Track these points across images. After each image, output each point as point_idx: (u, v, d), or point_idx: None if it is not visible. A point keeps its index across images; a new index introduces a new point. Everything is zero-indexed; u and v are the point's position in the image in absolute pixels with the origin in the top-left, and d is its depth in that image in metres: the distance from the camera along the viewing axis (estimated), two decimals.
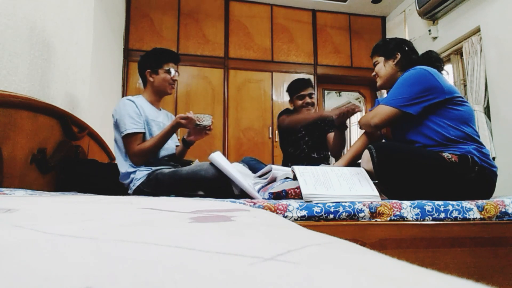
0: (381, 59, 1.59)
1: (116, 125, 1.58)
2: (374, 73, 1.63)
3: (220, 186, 1.41)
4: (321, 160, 2.31)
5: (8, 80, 1.41)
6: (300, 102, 2.25)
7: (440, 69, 1.48)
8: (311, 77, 4.05)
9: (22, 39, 1.51)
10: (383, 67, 1.58)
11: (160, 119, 1.71)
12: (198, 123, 1.58)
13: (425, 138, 1.36)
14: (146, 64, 1.70)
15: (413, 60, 1.53)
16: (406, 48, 1.55)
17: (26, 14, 1.54)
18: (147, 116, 1.62)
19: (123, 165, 1.58)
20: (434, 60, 1.51)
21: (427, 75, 1.35)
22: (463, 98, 1.39)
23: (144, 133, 1.58)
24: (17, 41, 1.47)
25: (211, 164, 1.43)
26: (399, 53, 1.54)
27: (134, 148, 1.53)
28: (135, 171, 1.56)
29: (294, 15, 4.11)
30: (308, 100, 2.24)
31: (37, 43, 1.64)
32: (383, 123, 1.40)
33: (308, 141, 2.32)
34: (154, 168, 1.57)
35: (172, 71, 1.70)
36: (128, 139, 1.54)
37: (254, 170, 1.81)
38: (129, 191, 1.57)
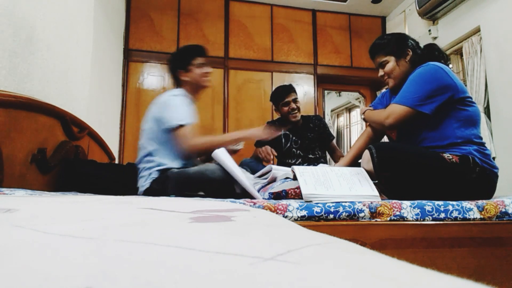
0: (391, 58, 1.49)
1: (160, 118, 1.55)
2: (382, 74, 1.53)
3: (226, 188, 1.41)
4: (318, 159, 2.32)
5: (8, 80, 1.40)
6: (286, 109, 2.31)
7: (445, 62, 1.45)
8: (311, 77, 4.05)
9: (22, 39, 1.51)
10: (397, 67, 1.48)
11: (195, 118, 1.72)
12: (231, 147, 1.63)
13: (431, 140, 1.34)
14: (175, 65, 1.71)
15: (421, 55, 1.48)
16: (413, 43, 1.50)
17: (26, 14, 1.54)
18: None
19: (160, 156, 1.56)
20: (438, 53, 1.48)
21: (441, 72, 1.31)
22: (472, 98, 1.36)
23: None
24: (17, 41, 1.47)
25: (217, 164, 1.43)
26: (410, 50, 1.47)
27: (191, 139, 1.50)
28: (151, 168, 1.53)
29: (294, 15, 4.11)
30: (293, 105, 2.30)
31: (37, 43, 1.64)
32: (398, 123, 1.35)
33: (302, 143, 2.36)
34: (170, 166, 1.55)
35: (203, 64, 1.71)
36: (183, 130, 1.50)
37: (254, 171, 1.82)
38: (141, 188, 1.55)
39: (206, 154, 1.59)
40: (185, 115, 1.53)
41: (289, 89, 2.34)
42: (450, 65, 1.46)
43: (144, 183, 1.54)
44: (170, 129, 1.52)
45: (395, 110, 1.35)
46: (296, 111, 2.31)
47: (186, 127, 1.51)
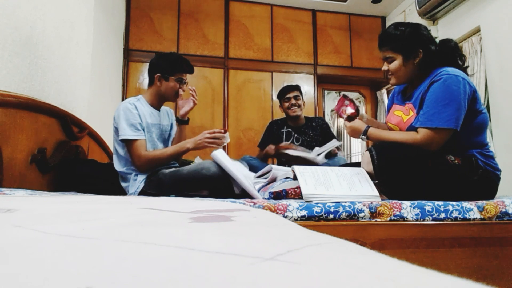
0: (398, 57, 1.35)
1: (116, 130, 1.56)
2: (386, 69, 1.40)
3: (222, 185, 1.41)
4: None
5: (8, 80, 1.40)
6: (286, 104, 2.46)
7: (462, 60, 1.37)
8: (311, 77, 4.05)
9: (22, 39, 1.51)
10: (402, 67, 1.35)
11: (161, 121, 1.69)
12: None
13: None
14: (158, 67, 1.64)
15: (435, 54, 1.34)
16: (426, 41, 1.35)
17: (26, 14, 1.54)
18: (147, 121, 1.60)
19: (121, 166, 1.58)
20: (457, 54, 1.36)
21: (464, 84, 1.23)
22: (484, 106, 1.32)
23: (145, 140, 1.56)
24: (17, 41, 1.47)
25: (213, 162, 1.43)
26: (421, 51, 1.33)
27: (140, 154, 1.49)
28: (137, 174, 1.55)
29: (294, 15, 4.11)
30: (293, 101, 2.44)
31: (37, 43, 1.64)
32: (441, 145, 1.25)
33: (303, 141, 2.45)
34: (155, 170, 1.56)
35: (184, 82, 1.67)
36: (130, 145, 1.51)
37: (255, 169, 1.84)
38: (133, 195, 1.56)
39: (156, 167, 1.57)
40: (127, 129, 1.50)
41: (292, 87, 2.48)
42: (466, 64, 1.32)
43: (133, 189, 1.54)
44: (120, 141, 1.54)
45: (436, 136, 1.22)
46: (296, 107, 2.42)
47: (131, 142, 1.51)
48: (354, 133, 1.43)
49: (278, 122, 2.57)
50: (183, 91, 1.68)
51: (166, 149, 1.56)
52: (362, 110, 4.63)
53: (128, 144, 1.52)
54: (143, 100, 1.65)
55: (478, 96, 1.29)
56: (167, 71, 1.63)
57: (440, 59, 1.34)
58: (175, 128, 1.77)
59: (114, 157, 1.61)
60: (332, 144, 2.14)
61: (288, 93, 2.45)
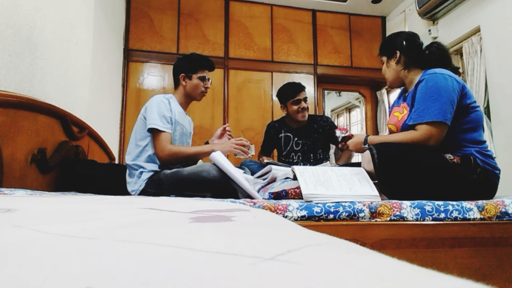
0: (384, 59, 1.53)
1: (144, 119, 1.60)
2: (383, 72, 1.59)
3: (222, 188, 1.40)
4: (321, 160, 2.32)
5: (8, 80, 1.40)
6: (295, 107, 2.24)
7: (449, 60, 1.43)
8: (311, 77, 4.05)
9: (22, 39, 1.51)
10: (387, 68, 1.52)
11: (185, 123, 1.74)
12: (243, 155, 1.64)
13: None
14: (181, 67, 1.73)
15: (417, 56, 1.45)
16: (406, 44, 1.47)
17: (26, 14, 1.54)
18: (176, 119, 1.65)
19: (132, 159, 1.59)
20: (439, 52, 1.44)
21: (451, 79, 1.29)
22: (476, 102, 1.35)
23: (171, 134, 1.60)
24: (17, 41, 1.47)
25: (213, 164, 1.42)
26: (398, 52, 1.47)
27: (165, 146, 1.54)
28: (142, 172, 1.55)
29: (294, 15, 4.11)
30: (304, 104, 2.24)
31: (37, 43, 1.64)
32: (440, 141, 1.28)
33: (303, 144, 2.33)
34: (159, 170, 1.57)
35: (206, 78, 1.74)
36: (157, 135, 1.55)
37: (254, 173, 1.83)
38: (133, 193, 1.56)
39: (177, 163, 1.61)
40: (158, 119, 1.55)
41: (301, 87, 2.28)
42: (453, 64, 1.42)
43: (135, 187, 1.55)
44: (148, 129, 1.57)
45: (433, 130, 1.26)
46: (306, 111, 2.26)
47: (159, 133, 1.54)
48: (357, 147, 1.48)
49: (275, 126, 2.40)
50: (207, 87, 1.76)
51: (191, 147, 1.64)
52: (363, 114, 4.62)
53: (155, 134, 1.56)
54: (174, 99, 1.72)
55: (467, 91, 1.32)
56: (189, 70, 1.72)
57: (429, 61, 1.43)
58: (191, 138, 1.87)
59: (128, 148, 1.63)
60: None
61: (297, 94, 2.23)
